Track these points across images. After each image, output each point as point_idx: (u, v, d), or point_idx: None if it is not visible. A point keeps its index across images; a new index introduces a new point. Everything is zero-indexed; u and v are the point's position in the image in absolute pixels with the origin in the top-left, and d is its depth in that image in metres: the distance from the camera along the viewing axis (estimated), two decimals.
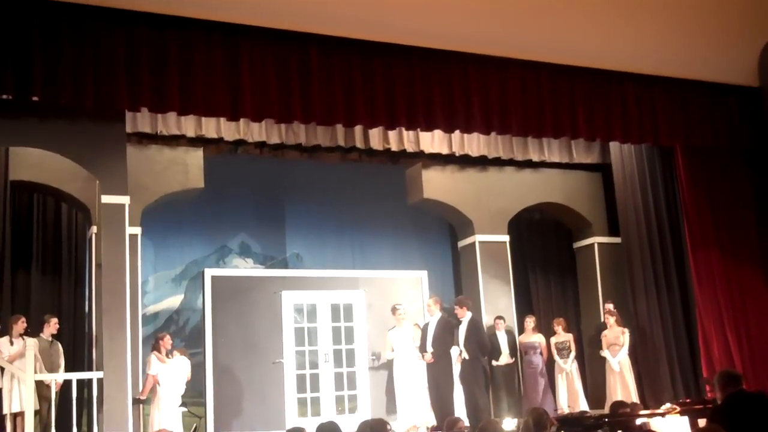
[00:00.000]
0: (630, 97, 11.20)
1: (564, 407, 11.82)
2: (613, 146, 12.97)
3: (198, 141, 11.07)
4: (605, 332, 12.09)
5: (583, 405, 11.76)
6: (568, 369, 12.13)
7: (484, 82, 10.66)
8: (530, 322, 12.30)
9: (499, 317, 12.23)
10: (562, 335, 12.28)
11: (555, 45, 10.49)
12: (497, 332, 12.11)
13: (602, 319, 12.45)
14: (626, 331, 12.02)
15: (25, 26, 8.61)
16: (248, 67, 9.61)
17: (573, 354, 12.21)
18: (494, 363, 12.02)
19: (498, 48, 10.54)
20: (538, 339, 12.19)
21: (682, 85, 11.55)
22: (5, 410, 9.28)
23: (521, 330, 12.44)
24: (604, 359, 12.11)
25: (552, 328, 12.44)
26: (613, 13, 9.89)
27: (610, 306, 12.29)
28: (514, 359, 12.13)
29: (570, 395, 12.10)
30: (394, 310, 11.44)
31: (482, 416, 10.53)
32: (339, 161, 12.32)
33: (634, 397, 11.45)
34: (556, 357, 12.21)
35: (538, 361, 12.07)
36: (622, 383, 11.78)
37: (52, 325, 10.09)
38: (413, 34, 10.10)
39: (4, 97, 8.81)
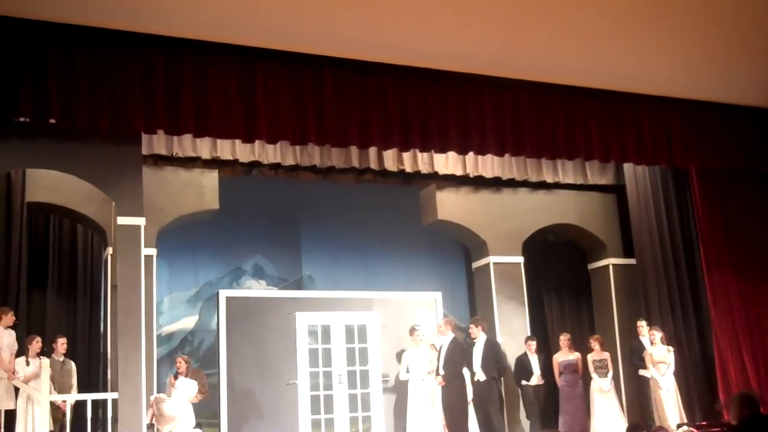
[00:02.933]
0: (644, 119, 11.22)
1: (600, 427, 11.63)
2: (627, 167, 12.96)
3: (213, 163, 11.16)
4: (649, 350, 11.75)
5: (622, 425, 11.51)
6: (607, 388, 11.91)
7: (498, 103, 10.71)
8: (565, 340, 12.13)
9: (530, 338, 12.22)
10: (600, 353, 12.07)
11: (568, 66, 10.52)
12: (527, 352, 12.06)
13: (641, 337, 12.13)
14: (671, 348, 11.81)
15: (42, 49, 8.75)
16: (263, 89, 9.70)
17: (611, 372, 12.00)
18: (524, 383, 11.97)
19: (512, 70, 10.59)
20: (575, 357, 12.04)
21: (696, 106, 11.56)
22: (19, 430, 9.30)
23: (554, 349, 12.32)
24: (641, 377, 11.91)
25: (588, 346, 12.19)
26: (626, 34, 9.90)
27: (642, 323, 12.11)
28: (544, 380, 12.03)
29: (608, 414, 11.81)
30: (412, 330, 11.45)
31: None
32: (353, 182, 12.36)
33: (684, 416, 11.34)
34: (594, 375, 11.98)
35: (576, 379, 11.92)
36: (671, 401, 11.51)
37: (59, 346, 10.14)
38: (427, 57, 10.16)
39: (22, 119, 8.90)
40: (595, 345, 12.11)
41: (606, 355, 12.09)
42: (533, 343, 12.12)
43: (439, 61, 10.33)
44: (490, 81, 10.69)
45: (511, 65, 10.50)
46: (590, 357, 12.06)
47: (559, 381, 11.97)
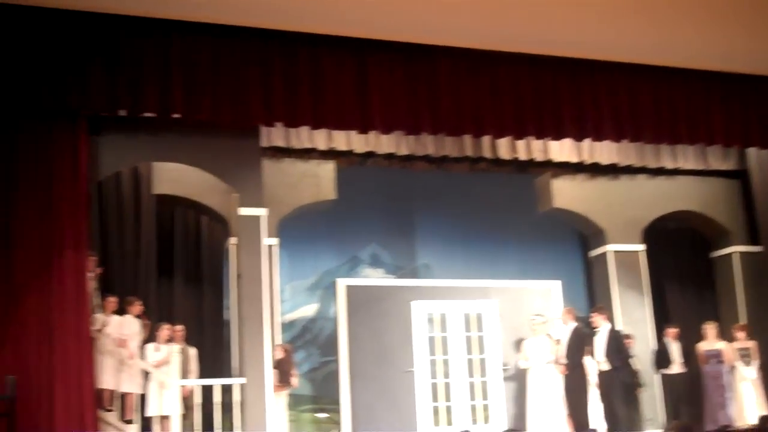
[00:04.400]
0: None
1: (745, 417, 11.29)
2: (751, 151, 12.51)
3: (329, 153, 11.37)
4: None
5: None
6: (752, 376, 11.57)
7: (615, 89, 10.55)
8: (711, 328, 11.85)
9: (671, 325, 12.04)
10: (744, 342, 11.73)
11: (689, 50, 10.22)
12: (666, 339, 11.89)
13: None
14: None
15: (165, 46, 9.12)
16: (377, 80, 9.84)
17: (758, 362, 11.64)
18: (663, 371, 11.81)
19: (628, 54, 10.39)
20: (721, 346, 11.74)
21: None
22: (150, 413, 9.72)
23: (694, 339, 12.04)
24: None
25: (732, 335, 11.87)
26: (755, 15, 9.54)
27: None
28: (687, 368, 11.82)
29: (753, 403, 11.47)
30: (532, 319, 11.39)
31: (621, 428, 10.37)
32: (467, 171, 12.38)
33: None
34: (739, 364, 11.66)
35: (720, 369, 11.66)
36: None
37: (177, 333, 10.43)
38: (541, 43, 10.08)
39: (148, 115, 9.29)
40: (739, 334, 11.78)
41: (751, 344, 11.73)
42: (674, 331, 11.90)
43: (553, 47, 10.23)
44: (606, 66, 10.53)
45: (628, 50, 10.30)
46: (734, 346, 11.75)
47: (704, 370, 11.74)
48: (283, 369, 10.40)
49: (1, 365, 8.45)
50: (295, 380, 10.66)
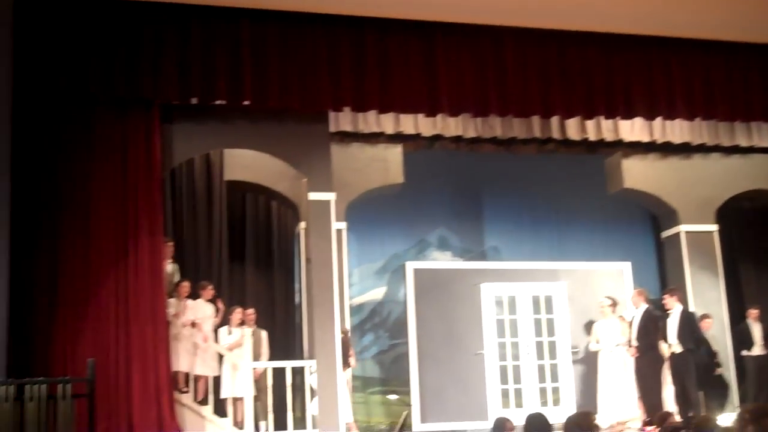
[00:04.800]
0: None
1: None
2: None
3: (397, 137, 11.37)
4: None
5: None
6: None
7: (687, 66, 10.38)
8: None
9: (753, 307, 11.86)
10: None
11: (764, 24, 9.95)
12: (748, 321, 11.73)
13: None
14: None
15: (235, 34, 9.26)
16: (444, 63, 9.85)
17: None
18: (744, 353, 11.65)
19: (701, 30, 10.16)
20: None
21: None
22: (224, 395, 9.91)
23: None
24: None
25: None
26: None
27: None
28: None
29: None
30: (601, 301, 11.28)
31: (694, 411, 10.22)
32: (535, 153, 12.27)
33: None
34: None
35: None
36: None
37: (248, 316, 10.56)
38: (610, 20, 9.94)
39: (218, 102, 9.43)
40: None
41: None
42: (755, 312, 11.71)
43: (622, 24, 10.09)
44: (678, 43, 10.34)
45: (699, 26, 10.09)
46: None
47: None
48: (342, 351, 10.49)
49: (80, 348, 8.73)
50: (353, 361, 10.72)
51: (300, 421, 10.09)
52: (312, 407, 10.02)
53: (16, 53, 8.42)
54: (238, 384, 9.82)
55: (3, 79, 8.25)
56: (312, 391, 9.95)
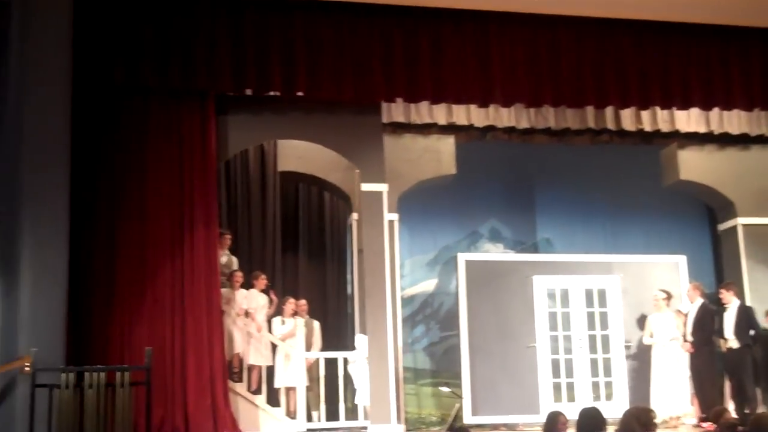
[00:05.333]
0: None
1: None
2: None
3: (449, 128, 11.30)
4: None
5: None
6: None
7: (745, 56, 10.21)
8: None
9: None
10: None
11: None
12: None
13: None
14: None
15: (289, 26, 9.30)
16: (498, 53, 9.82)
17: None
18: None
19: (759, 19, 9.95)
20: None
21: None
22: (278, 384, 9.99)
23: None
24: None
25: None
26: None
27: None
28: None
29: None
30: (655, 295, 11.12)
31: (750, 407, 10.05)
32: (589, 144, 12.12)
33: None
34: None
35: None
36: None
37: (301, 306, 10.63)
38: (668, 9, 9.78)
39: (272, 93, 9.48)
40: None
41: None
42: None
43: (679, 13, 9.92)
44: (737, 31, 10.15)
45: (759, 13, 9.86)
46: None
47: None
48: None
49: (137, 337, 8.87)
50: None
51: (351, 412, 10.15)
52: (357, 398, 10.09)
53: (75, 46, 8.53)
54: (290, 374, 9.90)
55: (62, 72, 8.35)
56: (350, 380, 9.96)
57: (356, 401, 10.22)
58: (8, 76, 8.12)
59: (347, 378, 10.01)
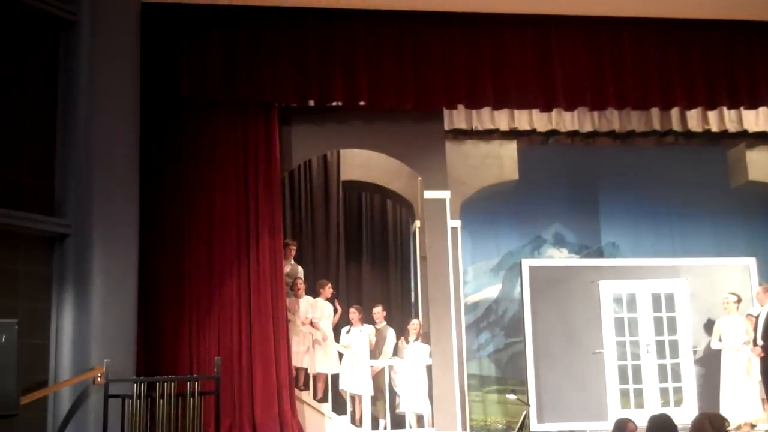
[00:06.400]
0: None
1: None
2: None
3: (511, 134, 11.27)
4: None
5: None
6: None
7: None
8: None
9: None
10: None
11: None
12: None
13: None
14: None
15: (350, 37, 9.38)
16: (560, 56, 9.76)
17: None
18: None
19: None
20: None
21: None
22: (342, 387, 10.02)
23: None
24: None
25: None
26: None
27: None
28: None
29: None
30: (725, 298, 10.90)
31: None
32: (654, 145, 11.95)
33: None
34: None
35: None
36: None
37: (376, 315, 10.60)
38: (733, 7, 9.68)
39: (335, 103, 9.55)
40: None
41: None
42: None
43: (745, 10, 9.73)
44: None
45: None
46: None
47: None
48: None
49: (206, 347, 9.01)
50: None
51: (419, 420, 10.13)
52: (402, 406, 10.08)
53: (143, 62, 8.70)
54: (356, 381, 9.93)
55: (130, 87, 8.53)
56: (392, 390, 10.05)
57: (400, 410, 10.21)
58: (77, 93, 8.29)
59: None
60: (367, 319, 10.52)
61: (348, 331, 10.28)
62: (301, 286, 10.14)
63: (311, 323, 10.02)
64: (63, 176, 8.21)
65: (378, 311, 10.63)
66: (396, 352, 10.48)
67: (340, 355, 10.13)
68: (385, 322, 10.62)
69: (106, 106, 8.29)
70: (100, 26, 8.38)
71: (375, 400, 10.02)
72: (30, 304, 7.85)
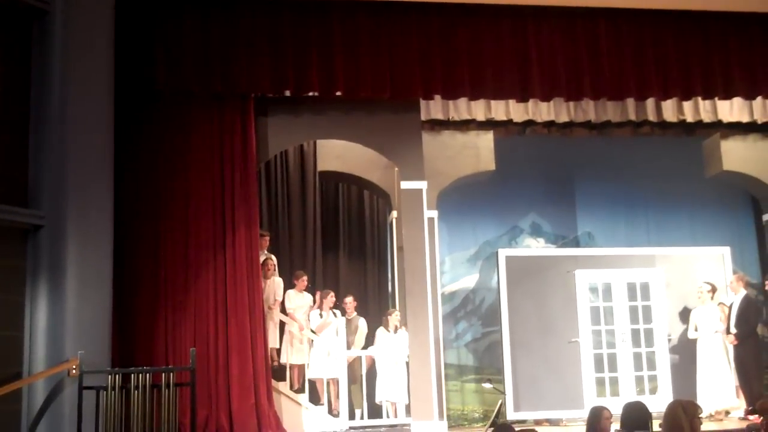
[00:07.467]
0: None
1: None
2: None
3: (487, 124, 11.28)
4: None
5: None
6: None
7: None
8: None
9: None
10: None
11: None
12: None
13: None
14: None
15: (326, 27, 9.35)
16: (536, 47, 9.77)
17: None
18: None
19: None
20: None
21: None
22: (310, 375, 9.98)
23: None
24: None
25: None
26: None
27: None
28: None
29: None
30: (699, 287, 11.00)
31: None
32: (630, 136, 12.01)
33: None
34: None
35: None
36: None
37: (347, 305, 10.68)
38: None
39: (311, 94, 9.52)
40: None
41: None
42: None
43: (719, 1, 9.78)
44: None
45: None
46: None
47: None
48: None
49: (182, 338, 8.99)
50: None
51: (396, 409, 10.16)
52: (379, 395, 10.12)
53: (117, 51, 8.63)
54: (330, 367, 9.91)
55: (105, 76, 8.45)
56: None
57: (379, 399, 10.25)
58: (50, 82, 8.20)
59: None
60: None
61: (320, 316, 10.23)
62: (270, 266, 10.06)
63: (284, 312, 10.01)
64: (36, 167, 8.10)
65: (349, 301, 10.64)
66: (371, 341, 10.50)
67: (310, 344, 10.11)
68: (355, 313, 10.64)
69: (79, 96, 8.18)
70: (74, 15, 8.27)
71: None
72: (3, 296, 7.77)
